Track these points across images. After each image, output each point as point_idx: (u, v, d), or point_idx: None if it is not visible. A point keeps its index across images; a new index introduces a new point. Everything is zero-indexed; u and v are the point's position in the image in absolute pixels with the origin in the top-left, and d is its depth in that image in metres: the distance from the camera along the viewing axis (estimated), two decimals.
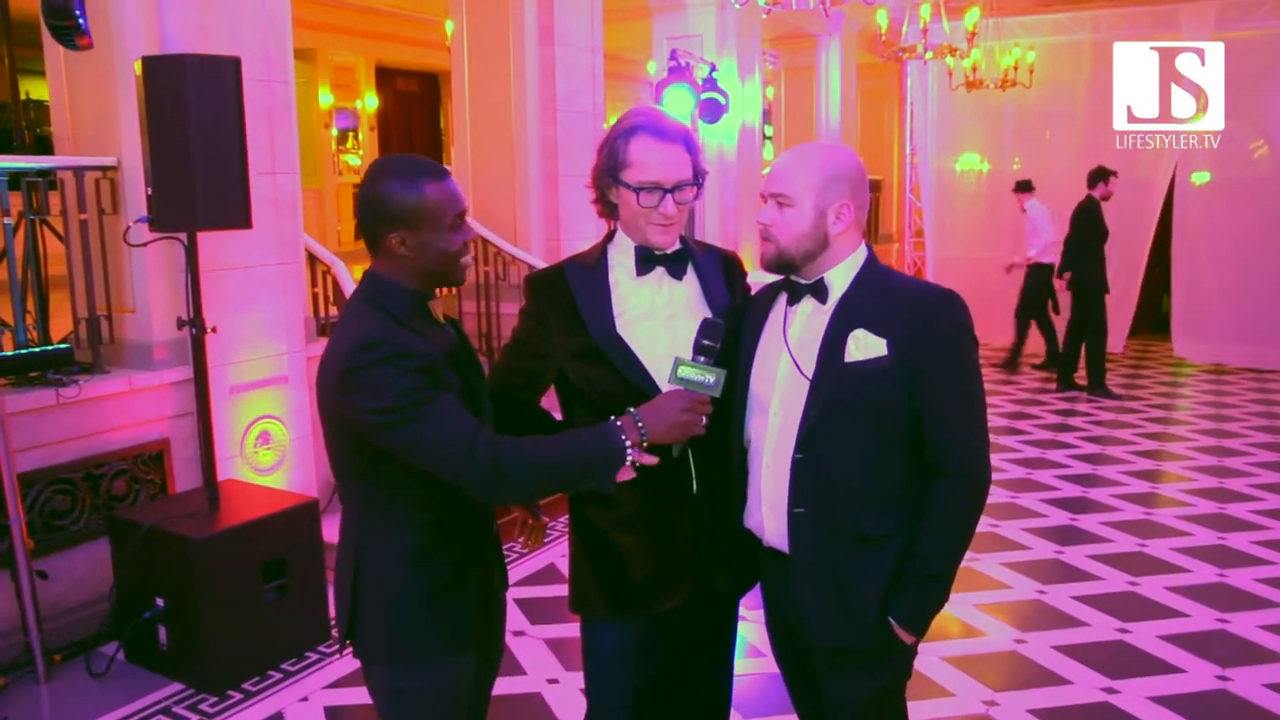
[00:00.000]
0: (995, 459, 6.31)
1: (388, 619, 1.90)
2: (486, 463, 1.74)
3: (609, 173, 2.08)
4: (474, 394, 1.94)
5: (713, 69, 7.89)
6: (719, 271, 2.20)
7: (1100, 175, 8.25)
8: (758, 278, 2.15)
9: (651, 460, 1.88)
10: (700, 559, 2.15)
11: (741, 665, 3.53)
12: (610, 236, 2.18)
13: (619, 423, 1.84)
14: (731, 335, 2.13)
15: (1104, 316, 8.31)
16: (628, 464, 1.85)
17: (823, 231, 1.98)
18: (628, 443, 1.82)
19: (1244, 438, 7.00)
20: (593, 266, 2.16)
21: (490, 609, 2.06)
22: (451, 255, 1.88)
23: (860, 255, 2.03)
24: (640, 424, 1.84)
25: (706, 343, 1.93)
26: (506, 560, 2.19)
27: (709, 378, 1.89)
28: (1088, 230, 8.21)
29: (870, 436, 1.95)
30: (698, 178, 2.09)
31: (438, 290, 1.96)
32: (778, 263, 2.02)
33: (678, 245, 2.15)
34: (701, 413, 1.88)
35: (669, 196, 2.04)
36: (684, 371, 1.90)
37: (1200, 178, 9.78)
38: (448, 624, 1.93)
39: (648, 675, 2.24)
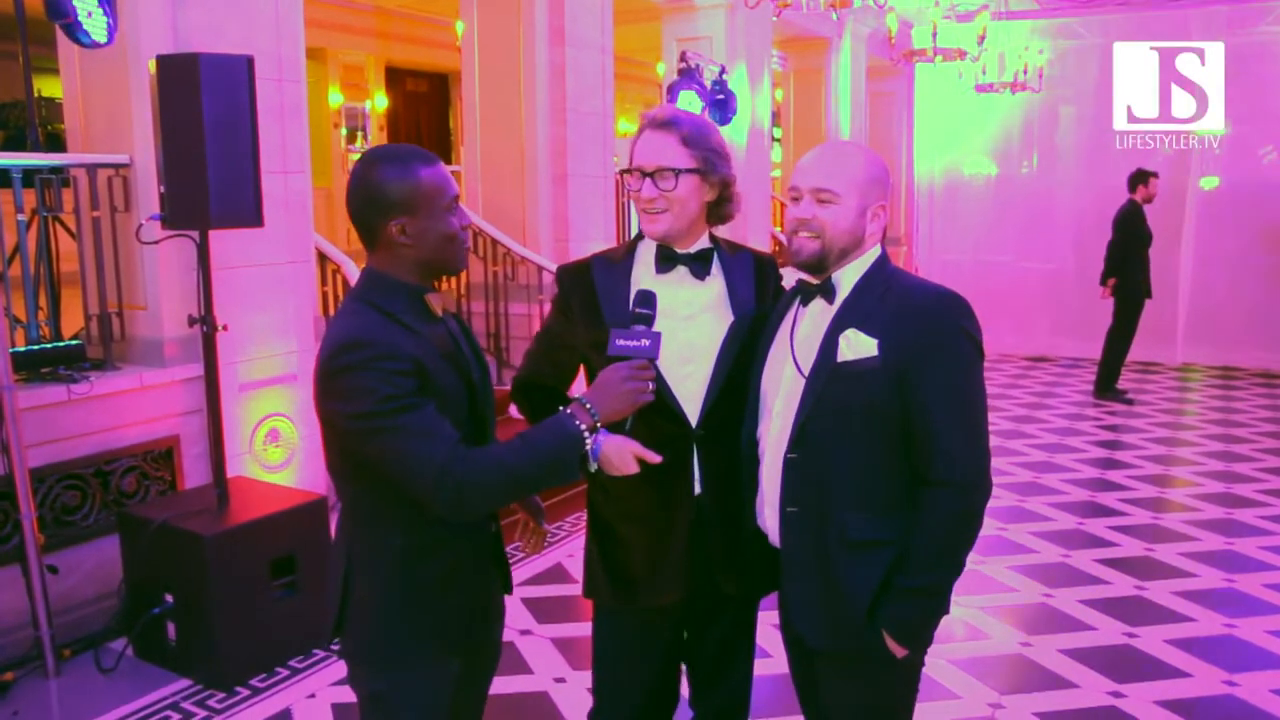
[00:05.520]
0: (1002, 462, 6.31)
1: (374, 620, 1.89)
2: (452, 487, 1.72)
3: (627, 168, 2.14)
4: (474, 391, 1.93)
5: (722, 71, 7.91)
6: (749, 273, 2.19)
7: (1140, 178, 8.09)
8: (790, 280, 2.15)
9: (655, 458, 1.89)
10: (700, 559, 2.16)
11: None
12: (642, 234, 2.20)
13: (569, 410, 1.83)
14: (754, 337, 2.14)
15: (1135, 323, 8.21)
16: (625, 458, 1.86)
17: (861, 230, 1.97)
18: (583, 427, 1.81)
19: (1252, 443, 6.99)
20: (619, 262, 2.19)
21: (484, 614, 2.03)
22: (451, 237, 1.87)
23: (872, 256, 2.01)
24: (589, 405, 1.83)
25: (640, 310, 1.95)
26: (511, 560, 2.18)
27: (644, 342, 1.90)
28: (1131, 235, 8.06)
29: (861, 439, 1.93)
30: (704, 168, 2.09)
31: (443, 284, 1.94)
32: (817, 260, 1.98)
33: (704, 244, 2.16)
34: (645, 379, 1.87)
35: (648, 180, 2.07)
36: (619, 341, 1.92)
37: (1209, 182, 9.78)
38: (435, 629, 1.91)
39: (650, 670, 2.27)
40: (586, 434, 1.81)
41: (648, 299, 1.97)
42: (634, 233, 2.21)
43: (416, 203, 1.82)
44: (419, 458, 1.72)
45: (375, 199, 1.83)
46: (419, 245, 1.85)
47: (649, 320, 1.94)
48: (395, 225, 1.82)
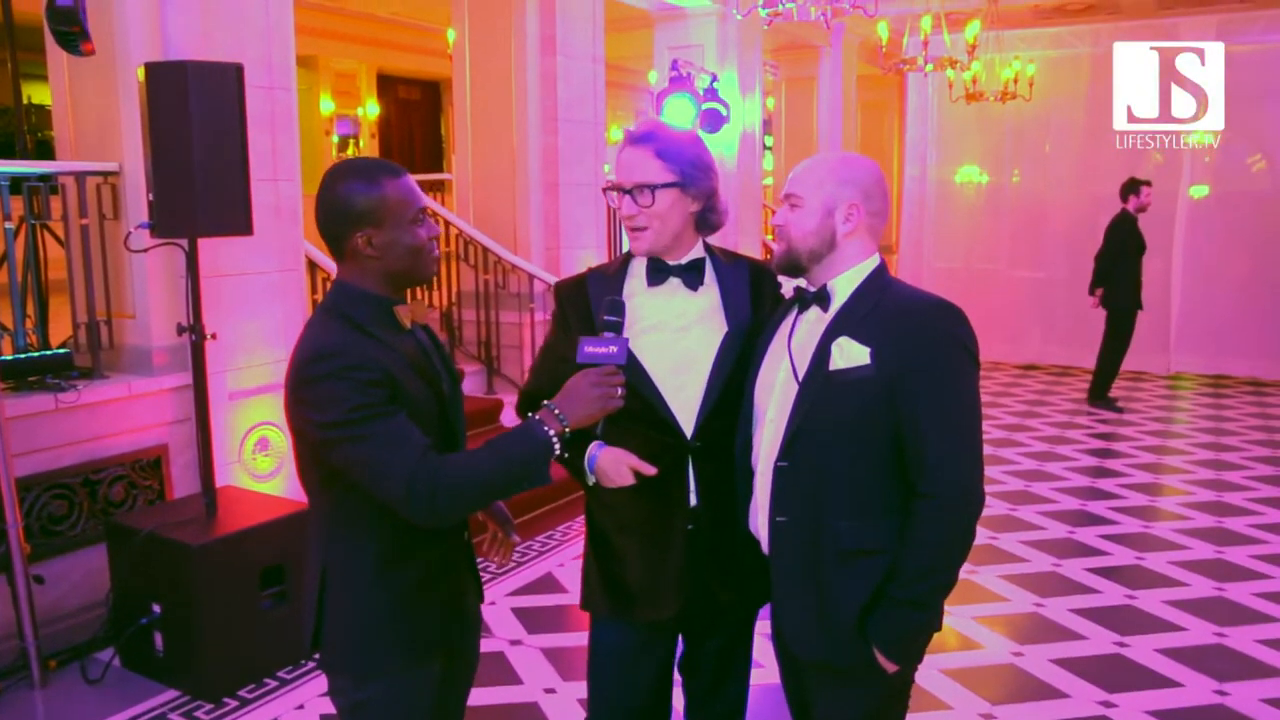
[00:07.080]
0: (994, 470, 6.32)
1: (352, 630, 1.90)
2: (424, 493, 1.73)
3: (611, 184, 2.14)
4: (443, 402, 1.94)
5: (714, 79, 7.92)
6: (745, 283, 2.19)
7: (1132, 187, 8.10)
8: (789, 289, 2.15)
9: (650, 470, 1.89)
10: (696, 571, 2.15)
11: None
12: None
13: (538, 416, 1.84)
14: (750, 346, 2.14)
15: (1129, 332, 8.21)
16: (626, 471, 1.86)
17: (829, 230, 1.97)
18: (551, 433, 1.81)
19: (1242, 451, 7.00)
20: (612, 276, 2.19)
21: (460, 619, 2.04)
22: (418, 249, 1.88)
23: (869, 265, 2.00)
24: (557, 412, 1.83)
25: (608, 318, 1.95)
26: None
27: (611, 349, 1.90)
28: (1121, 244, 8.07)
29: (852, 448, 1.92)
30: (682, 181, 2.08)
31: (417, 294, 1.96)
32: (786, 262, 2.02)
33: (697, 254, 2.16)
34: (613, 384, 1.86)
35: (627, 197, 2.08)
36: (587, 348, 1.91)
37: (1199, 191, 9.82)
38: (412, 636, 1.92)
39: (644, 683, 2.26)
40: (555, 439, 1.82)
41: (616, 307, 1.97)
42: (626, 242, 2.21)
43: (382, 215, 1.84)
44: (390, 465, 1.74)
45: (341, 211, 1.84)
46: (385, 257, 1.86)
47: (618, 328, 1.94)
48: (361, 237, 1.84)
